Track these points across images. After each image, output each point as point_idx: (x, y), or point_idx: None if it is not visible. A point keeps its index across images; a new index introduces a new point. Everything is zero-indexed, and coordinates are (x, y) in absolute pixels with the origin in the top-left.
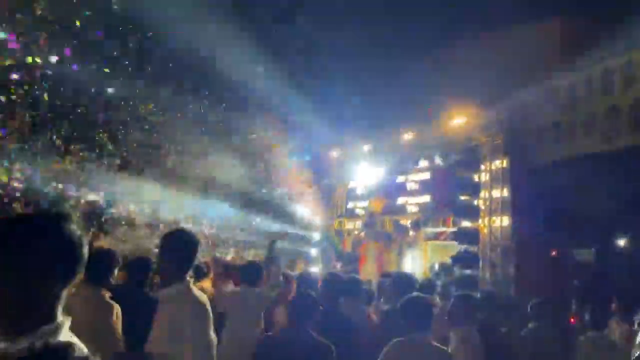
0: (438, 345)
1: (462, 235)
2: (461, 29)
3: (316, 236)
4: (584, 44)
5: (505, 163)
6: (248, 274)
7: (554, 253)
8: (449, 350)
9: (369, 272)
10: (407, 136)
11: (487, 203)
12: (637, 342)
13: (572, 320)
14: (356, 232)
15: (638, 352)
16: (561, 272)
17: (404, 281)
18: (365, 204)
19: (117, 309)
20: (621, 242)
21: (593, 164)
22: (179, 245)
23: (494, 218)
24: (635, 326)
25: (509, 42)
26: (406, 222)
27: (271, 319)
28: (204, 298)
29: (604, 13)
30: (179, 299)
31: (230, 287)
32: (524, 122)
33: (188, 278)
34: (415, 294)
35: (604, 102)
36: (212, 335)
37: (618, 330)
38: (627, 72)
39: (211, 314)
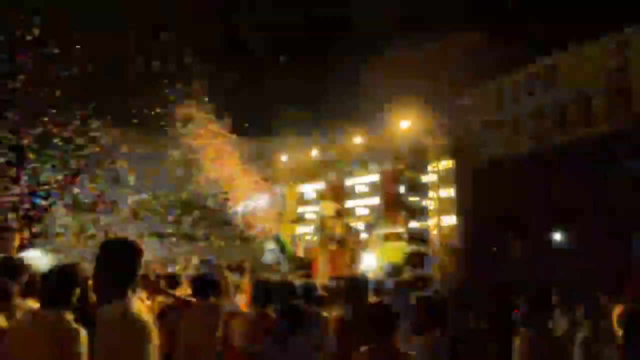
0: (405, 352)
1: (412, 236)
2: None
3: (270, 243)
4: (510, 50)
5: (451, 164)
6: (200, 285)
7: (494, 249)
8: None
9: (322, 276)
10: (356, 141)
11: (436, 203)
12: (580, 335)
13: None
14: (308, 237)
15: (580, 341)
16: (502, 267)
17: (356, 285)
18: (316, 208)
19: (83, 333)
20: (556, 237)
21: (526, 163)
22: (120, 255)
23: (442, 218)
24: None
25: (445, 50)
26: (357, 224)
27: (228, 333)
28: (147, 318)
29: (529, 21)
30: (118, 321)
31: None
32: (465, 124)
33: (129, 294)
34: (377, 299)
35: (530, 103)
36: None
37: (561, 322)
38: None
39: (155, 336)
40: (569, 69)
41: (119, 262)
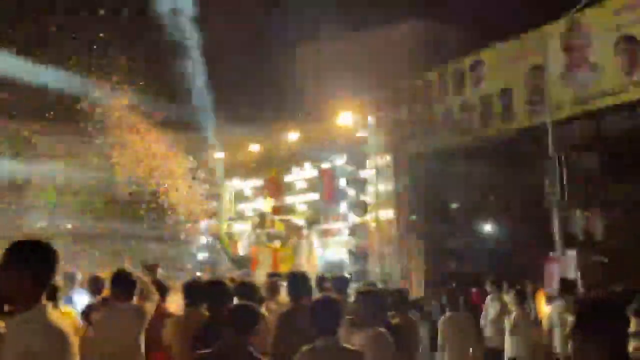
0: (349, 346)
1: (352, 231)
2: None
3: (202, 240)
4: (439, 45)
5: (388, 158)
6: (119, 285)
7: (427, 242)
8: None
9: (263, 275)
10: (294, 136)
11: (375, 198)
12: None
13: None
14: (247, 235)
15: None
16: (438, 259)
17: (299, 281)
18: (254, 205)
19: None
20: (487, 228)
21: (456, 156)
22: (34, 257)
23: (381, 212)
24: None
25: (378, 43)
26: (298, 221)
27: (157, 338)
28: (63, 327)
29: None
30: (31, 330)
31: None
32: (400, 117)
33: (44, 301)
34: (323, 294)
35: (457, 98)
36: None
37: (493, 308)
38: (475, 71)
39: (74, 347)
40: (494, 65)
41: (33, 265)
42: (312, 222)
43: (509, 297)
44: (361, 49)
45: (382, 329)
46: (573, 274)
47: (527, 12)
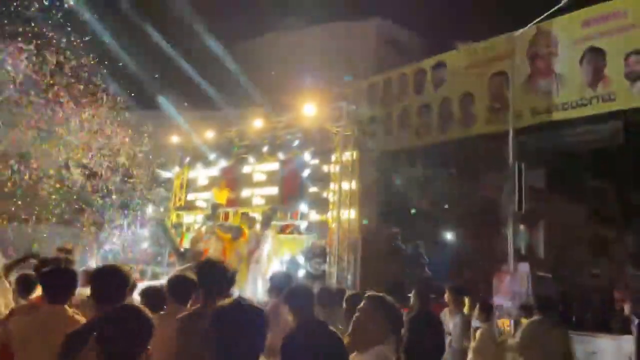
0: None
1: (311, 229)
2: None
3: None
4: (403, 47)
5: (355, 155)
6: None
7: (403, 247)
8: None
9: None
10: (256, 124)
11: (337, 195)
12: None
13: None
14: (197, 226)
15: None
16: (397, 264)
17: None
18: (207, 195)
19: None
20: (448, 236)
21: (414, 160)
22: None
23: (342, 211)
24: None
25: (342, 38)
26: (253, 215)
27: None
28: None
29: (425, 22)
30: None
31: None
32: (362, 114)
33: None
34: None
35: (417, 100)
36: None
37: (451, 321)
38: (436, 73)
39: None
40: (456, 68)
41: None
42: (268, 217)
43: (474, 312)
44: (326, 42)
45: None
46: (523, 288)
47: (495, 19)
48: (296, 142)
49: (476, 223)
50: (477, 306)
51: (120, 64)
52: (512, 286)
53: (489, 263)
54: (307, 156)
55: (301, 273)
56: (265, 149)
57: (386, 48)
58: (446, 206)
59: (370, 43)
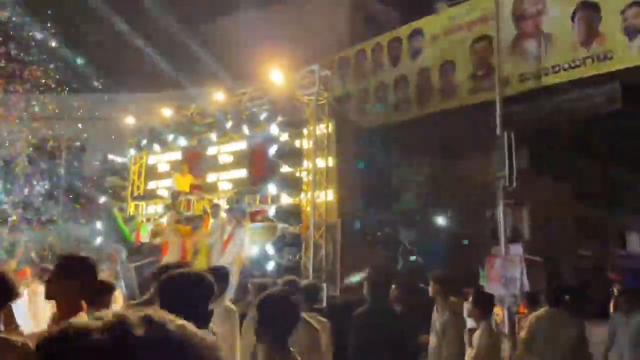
0: None
1: (282, 214)
2: None
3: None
4: (379, 23)
5: (330, 127)
6: None
7: (378, 234)
8: None
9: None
10: (218, 97)
11: (311, 174)
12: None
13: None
14: (156, 217)
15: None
16: (384, 252)
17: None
18: (169, 183)
19: None
20: (440, 220)
21: (393, 136)
22: None
23: (318, 192)
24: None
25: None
26: (218, 202)
27: None
28: None
29: None
30: None
31: None
32: (340, 89)
33: None
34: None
35: (393, 72)
36: None
37: (439, 319)
38: (413, 42)
39: None
40: (435, 35)
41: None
42: (234, 203)
43: (465, 306)
44: (294, 17)
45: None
46: (517, 273)
47: None
48: (263, 115)
49: (463, 204)
50: (470, 299)
51: (71, 45)
52: (504, 271)
53: (479, 247)
54: (275, 130)
55: (271, 266)
56: (228, 125)
57: (362, 24)
58: (429, 187)
59: (343, 19)
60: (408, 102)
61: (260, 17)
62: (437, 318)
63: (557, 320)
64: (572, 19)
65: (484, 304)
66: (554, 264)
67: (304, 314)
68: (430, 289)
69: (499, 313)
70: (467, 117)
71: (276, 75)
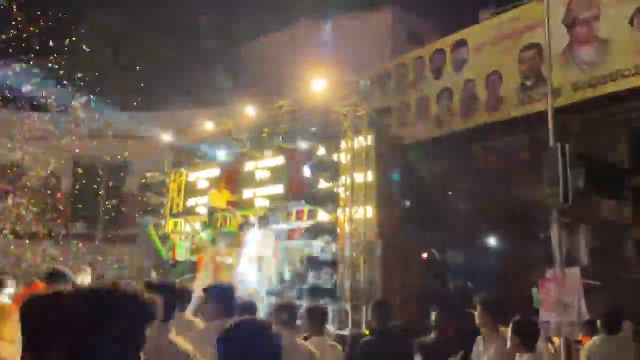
0: None
1: (317, 232)
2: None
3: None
4: (420, 39)
5: (369, 140)
6: None
7: (424, 255)
8: None
9: (203, 283)
10: (255, 111)
11: (348, 190)
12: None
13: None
14: (193, 235)
15: None
16: (429, 274)
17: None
18: (206, 199)
19: None
20: (492, 242)
21: (435, 152)
22: None
23: (355, 208)
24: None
25: (356, 29)
26: (251, 219)
27: None
28: None
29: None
30: None
31: None
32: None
33: None
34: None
35: (435, 85)
36: None
37: (486, 352)
38: (456, 53)
39: None
40: (479, 45)
41: None
42: (264, 219)
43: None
44: (340, 34)
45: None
46: (575, 299)
47: None
48: (299, 129)
49: (514, 223)
50: (512, 329)
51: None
52: (560, 296)
53: (533, 271)
54: (311, 144)
55: (306, 286)
56: (265, 139)
57: (404, 41)
58: (477, 204)
59: (385, 36)
60: (452, 115)
61: (301, 34)
62: (484, 350)
63: (615, 347)
64: (631, 22)
65: (526, 333)
66: (612, 289)
67: (298, 339)
68: (477, 317)
69: (556, 342)
70: (516, 130)
71: (313, 87)
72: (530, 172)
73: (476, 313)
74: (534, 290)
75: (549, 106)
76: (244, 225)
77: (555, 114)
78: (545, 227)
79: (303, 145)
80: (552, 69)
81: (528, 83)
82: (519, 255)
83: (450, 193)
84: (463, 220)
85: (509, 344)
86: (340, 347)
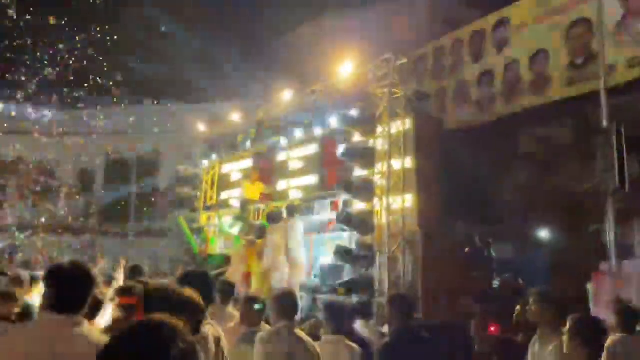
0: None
1: (352, 223)
2: None
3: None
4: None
5: (408, 124)
6: None
7: (467, 249)
8: None
9: (235, 277)
10: (287, 96)
11: (385, 178)
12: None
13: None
14: (225, 228)
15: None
16: (473, 269)
17: None
18: (239, 192)
19: None
20: (542, 235)
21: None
22: None
23: (393, 197)
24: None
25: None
26: (281, 210)
27: None
28: None
29: None
30: None
31: None
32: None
33: None
34: None
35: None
36: None
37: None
38: (497, 33)
39: None
40: (523, 23)
41: None
42: (293, 210)
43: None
44: (372, 19)
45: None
46: (632, 294)
47: None
48: (333, 114)
49: (564, 214)
50: (571, 327)
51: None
52: (616, 292)
53: (585, 265)
54: (345, 129)
55: (341, 281)
56: (298, 125)
57: (441, 25)
58: (525, 195)
59: (422, 20)
60: (494, 99)
61: (336, 21)
62: (540, 349)
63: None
64: None
65: (589, 333)
66: None
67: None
68: (533, 313)
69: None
70: (565, 112)
71: (347, 69)
72: (581, 158)
73: (531, 309)
74: (590, 285)
75: (601, 84)
76: (273, 216)
77: (608, 94)
78: (597, 218)
79: (337, 130)
80: (605, 45)
81: (578, 61)
82: (571, 248)
83: (495, 182)
84: (509, 211)
85: (565, 347)
86: (357, 348)
